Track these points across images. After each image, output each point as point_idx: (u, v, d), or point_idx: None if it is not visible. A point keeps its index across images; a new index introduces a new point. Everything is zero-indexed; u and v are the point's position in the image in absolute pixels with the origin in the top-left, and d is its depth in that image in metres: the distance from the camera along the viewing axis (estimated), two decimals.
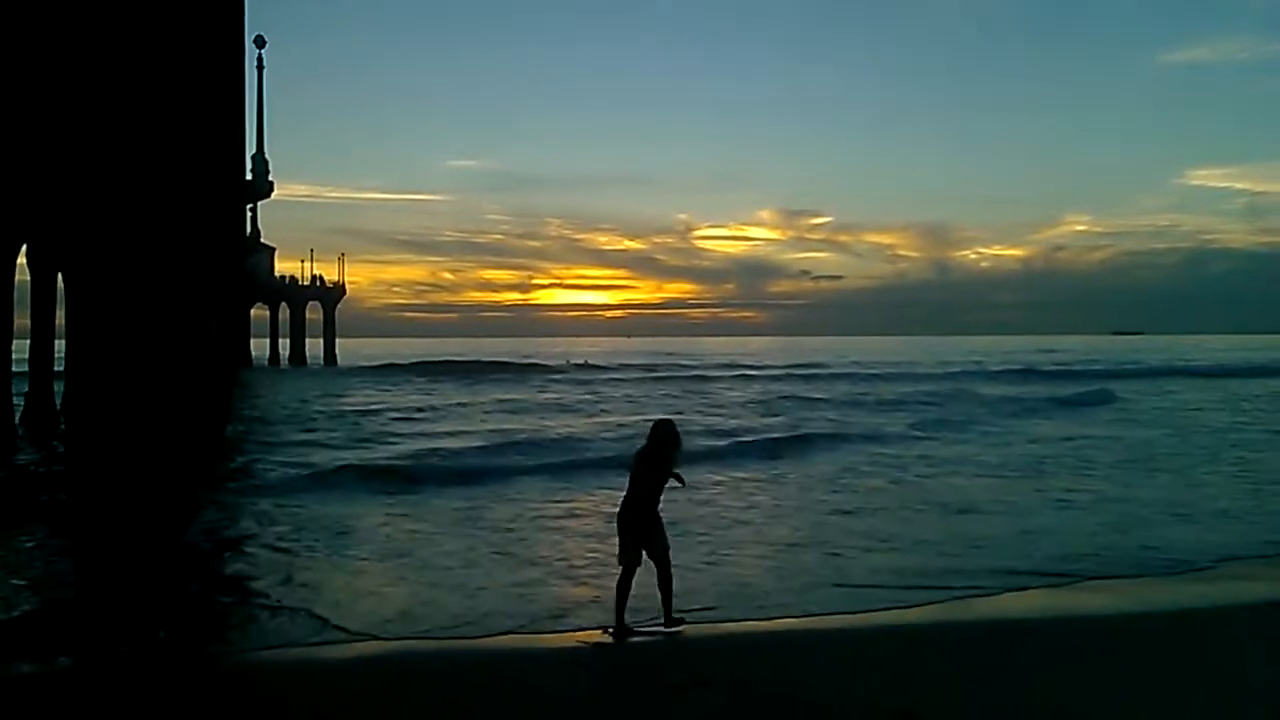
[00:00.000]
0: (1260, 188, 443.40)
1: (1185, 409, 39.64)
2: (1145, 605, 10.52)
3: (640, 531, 9.32)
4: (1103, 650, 8.77)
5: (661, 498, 9.46)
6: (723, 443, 26.37)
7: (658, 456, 9.35)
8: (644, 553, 9.34)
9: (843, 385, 57.84)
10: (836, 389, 53.78)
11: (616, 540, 9.49)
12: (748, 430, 30.18)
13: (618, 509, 9.49)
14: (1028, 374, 68.86)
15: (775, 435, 28.30)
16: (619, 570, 9.37)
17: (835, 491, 18.85)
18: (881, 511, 16.49)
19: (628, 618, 9.33)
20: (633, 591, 9.30)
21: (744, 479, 20.35)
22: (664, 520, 9.53)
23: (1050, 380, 61.34)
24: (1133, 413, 37.74)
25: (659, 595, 9.41)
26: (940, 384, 56.66)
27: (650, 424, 9.80)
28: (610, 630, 9.34)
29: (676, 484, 9.62)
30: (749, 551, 13.35)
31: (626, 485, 9.46)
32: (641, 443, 9.74)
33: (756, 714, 7.16)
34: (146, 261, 18.42)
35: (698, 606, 10.09)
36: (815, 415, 36.23)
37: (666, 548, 9.43)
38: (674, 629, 9.38)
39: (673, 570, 9.45)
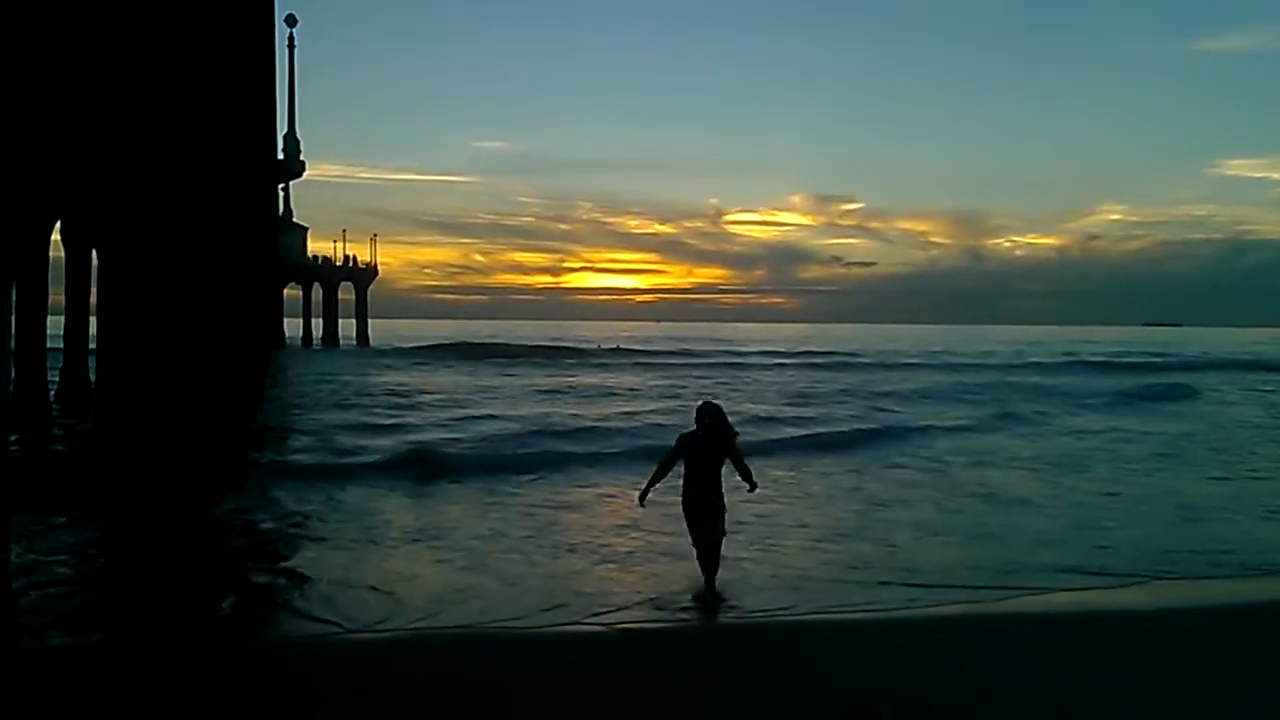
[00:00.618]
0: None
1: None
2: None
3: (701, 515, 9.76)
4: (1143, 648, 8.48)
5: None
6: (800, 431, 26.00)
7: (713, 441, 9.70)
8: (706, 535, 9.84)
9: (894, 375, 56.38)
10: (889, 378, 52.34)
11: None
12: (828, 421, 29.47)
13: (681, 496, 9.94)
14: (1094, 366, 66.70)
15: (862, 427, 27.32)
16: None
17: (916, 487, 18.01)
18: (987, 510, 15.67)
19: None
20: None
21: (829, 472, 19.71)
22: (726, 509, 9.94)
23: (1116, 373, 59.35)
24: (1223, 407, 36.40)
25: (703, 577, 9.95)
26: (1001, 375, 55.00)
27: (697, 408, 10.07)
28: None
29: (745, 486, 9.99)
30: (824, 545, 12.87)
31: (685, 470, 9.82)
32: (686, 427, 10.15)
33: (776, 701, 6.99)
34: (179, 240, 18.25)
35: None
36: (880, 407, 35.16)
37: (723, 534, 9.90)
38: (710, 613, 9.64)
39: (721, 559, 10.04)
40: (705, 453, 9.69)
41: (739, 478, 9.97)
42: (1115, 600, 10.42)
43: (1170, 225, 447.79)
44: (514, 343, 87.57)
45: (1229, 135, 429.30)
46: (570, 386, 44.45)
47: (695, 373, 57.31)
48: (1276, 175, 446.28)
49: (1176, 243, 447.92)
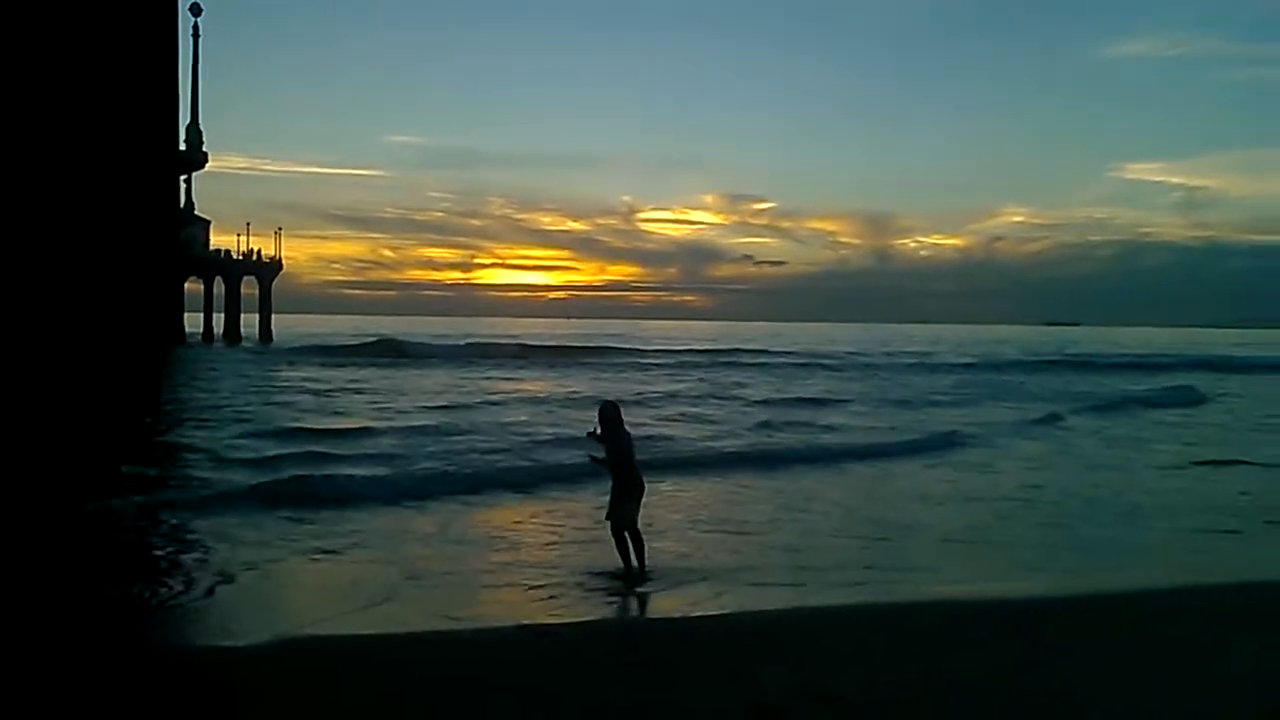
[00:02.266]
0: (1195, 182, 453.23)
1: None
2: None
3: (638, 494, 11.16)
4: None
5: None
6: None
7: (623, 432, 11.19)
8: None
9: (903, 377, 55.20)
10: (902, 381, 51.02)
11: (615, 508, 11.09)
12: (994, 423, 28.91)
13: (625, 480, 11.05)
14: (1067, 365, 66.62)
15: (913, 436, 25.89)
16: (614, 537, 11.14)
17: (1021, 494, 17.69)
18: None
19: None
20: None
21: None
22: None
23: (1106, 373, 59.47)
24: (1242, 409, 36.40)
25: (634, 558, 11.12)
26: (981, 374, 54.88)
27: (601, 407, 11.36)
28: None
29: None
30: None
31: (617, 463, 11.06)
32: (590, 428, 11.51)
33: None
34: (70, 231, 17.46)
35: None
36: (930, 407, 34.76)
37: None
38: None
39: None
40: (628, 441, 11.19)
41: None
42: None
43: (1071, 227, 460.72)
44: (431, 341, 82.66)
45: (1129, 139, 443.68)
46: (485, 390, 41.89)
47: (615, 374, 55.54)
48: (1174, 179, 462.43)
49: (1077, 244, 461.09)
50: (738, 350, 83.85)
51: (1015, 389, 45.11)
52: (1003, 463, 21.77)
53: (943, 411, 33.81)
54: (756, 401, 36.91)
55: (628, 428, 11.30)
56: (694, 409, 33.55)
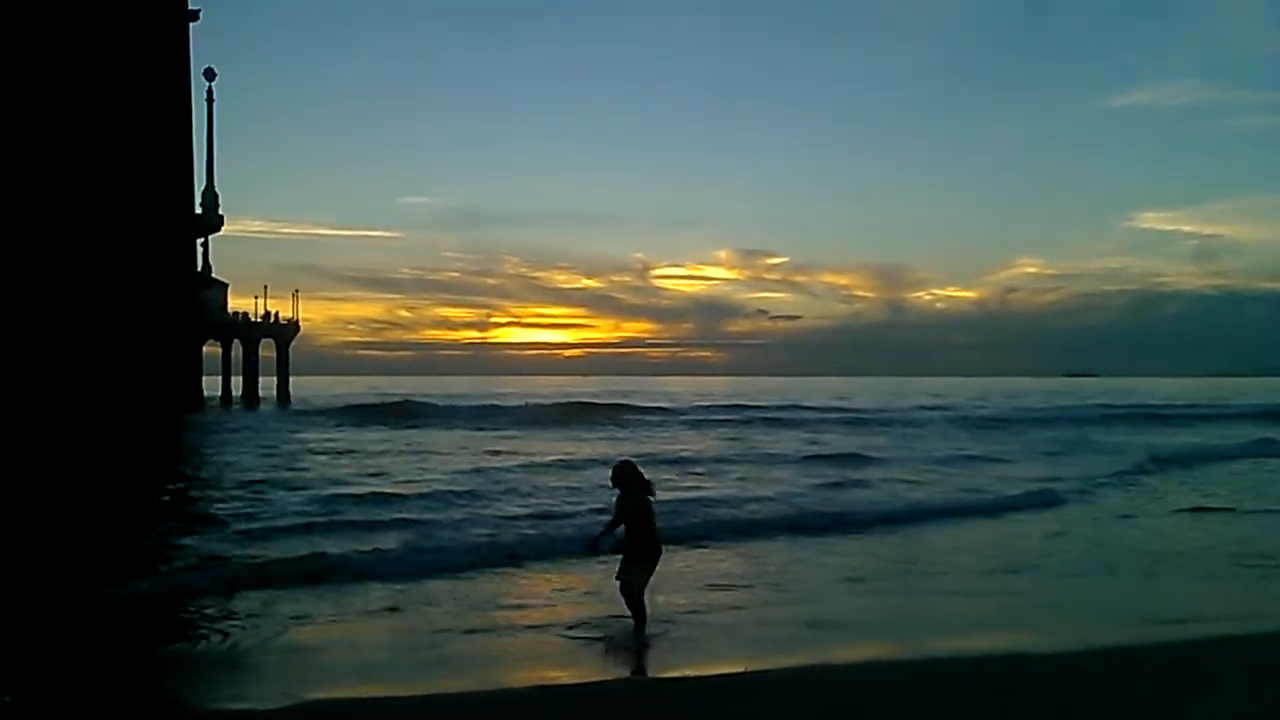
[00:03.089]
0: (1208, 230, 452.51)
1: None
2: None
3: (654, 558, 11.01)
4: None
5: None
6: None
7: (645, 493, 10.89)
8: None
9: (914, 432, 53.01)
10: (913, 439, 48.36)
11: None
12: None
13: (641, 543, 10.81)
14: (1121, 418, 64.52)
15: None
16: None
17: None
18: None
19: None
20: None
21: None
22: None
23: (1173, 424, 58.22)
24: None
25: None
26: (1066, 430, 51.88)
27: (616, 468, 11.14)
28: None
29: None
30: None
31: (632, 525, 10.80)
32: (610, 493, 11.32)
33: None
34: (89, 298, 16.88)
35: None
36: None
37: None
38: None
39: None
40: (646, 502, 10.82)
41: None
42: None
43: (1086, 277, 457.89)
44: (452, 403, 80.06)
45: (1141, 189, 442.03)
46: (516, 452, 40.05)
47: (648, 431, 53.56)
48: (1187, 228, 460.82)
49: (1092, 294, 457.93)
50: (764, 406, 79.74)
51: (1080, 442, 42.88)
52: (1145, 519, 21.72)
53: (1013, 467, 33.45)
54: (810, 457, 35.88)
55: (655, 489, 11.04)
56: (761, 470, 32.07)
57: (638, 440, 47.67)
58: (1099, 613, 12.94)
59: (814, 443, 43.07)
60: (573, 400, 79.45)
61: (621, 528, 10.95)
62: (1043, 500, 23.95)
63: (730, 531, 19.24)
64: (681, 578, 14.30)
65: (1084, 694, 8.66)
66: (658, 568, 11.03)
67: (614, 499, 11.07)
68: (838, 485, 26.93)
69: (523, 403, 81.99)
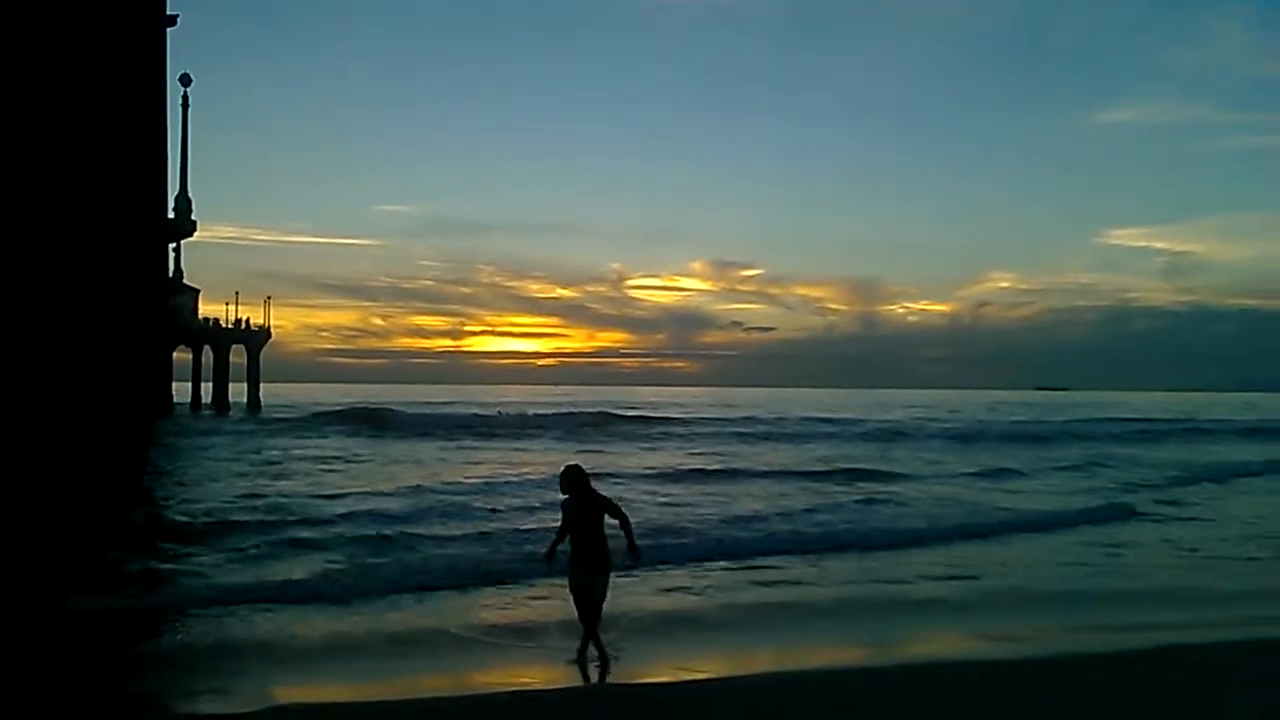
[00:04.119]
0: (1179, 247, 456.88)
1: None
2: None
3: (592, 569, 10.18)
4: None
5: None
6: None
7: (584, 498, 10.23)
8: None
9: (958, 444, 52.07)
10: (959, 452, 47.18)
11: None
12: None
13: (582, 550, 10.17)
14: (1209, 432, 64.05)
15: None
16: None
17: None
18: None
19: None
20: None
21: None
22: None
23: (1196, 440, 57.38)
24: None
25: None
26: (1072, 445, 50.49)
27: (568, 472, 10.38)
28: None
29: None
30: None
31: (574, 529, 10.20)
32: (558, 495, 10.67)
33: None
34: (56, 301, 16.61)
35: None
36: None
37: (604, 594, 10.31)
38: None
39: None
40: (585, 512, 10.15)
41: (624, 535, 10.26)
42: None
43: (1058, 292, 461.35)
44: (423, 411, 78.49)
45: (1113, 205, 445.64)
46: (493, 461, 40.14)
47: (652, 444, 51.51)
48: (1159, 244, 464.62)
49: (1064, 309, 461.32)
50: (762, 420, 76.72)
51: (1098, 458, 41.62)
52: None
53: (1044, 480, 33.56)
54: (832, 471, 34.82)
55: (608, 496, 10.55)
56: (785, 485, 30.79)
57: (679, 451, 46.84)
58: None
59: (822, 459, 41.08)
60: (561, 411, 78.55)
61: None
62: (1117, 514, 24.23)
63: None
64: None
65: None
66: (597, 594, 10.22)
67: (560, 506, 10.54)
68: (879, 501, 26.01)
69: (496, 412, 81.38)
